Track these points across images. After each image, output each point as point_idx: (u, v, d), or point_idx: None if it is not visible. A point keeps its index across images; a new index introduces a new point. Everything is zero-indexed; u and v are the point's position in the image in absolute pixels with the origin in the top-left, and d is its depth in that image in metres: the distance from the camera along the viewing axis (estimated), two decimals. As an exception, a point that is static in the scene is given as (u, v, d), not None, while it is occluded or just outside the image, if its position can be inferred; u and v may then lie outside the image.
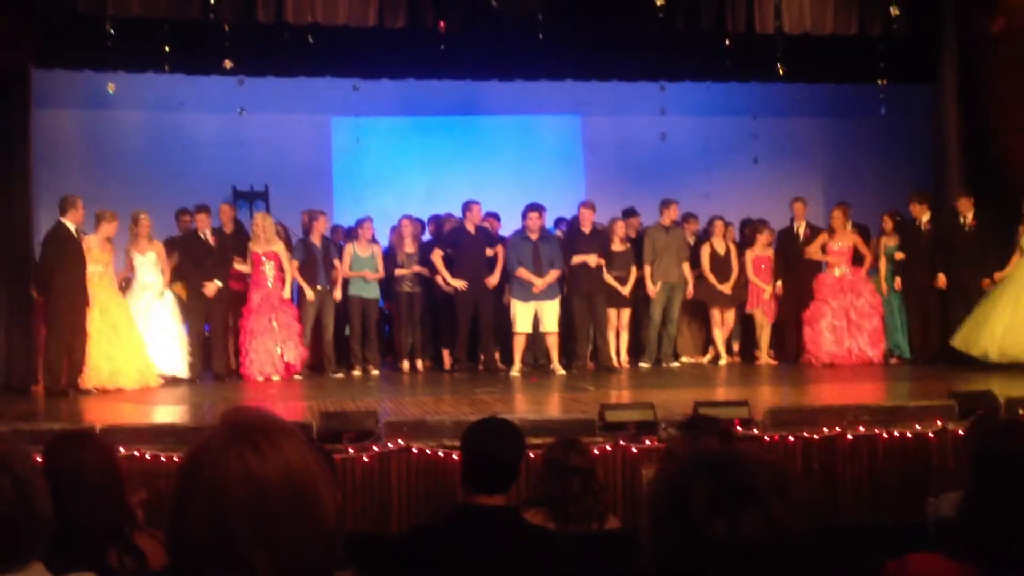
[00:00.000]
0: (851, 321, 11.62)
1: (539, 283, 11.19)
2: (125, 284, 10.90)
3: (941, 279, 11.48)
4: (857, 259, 11.99)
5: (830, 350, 11.59)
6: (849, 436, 7.22)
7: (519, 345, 11.39)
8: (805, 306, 11.92)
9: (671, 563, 1.44)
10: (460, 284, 11.39)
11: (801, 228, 12.24)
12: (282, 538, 1.45)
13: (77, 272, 9.82)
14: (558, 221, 12.90)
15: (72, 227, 9.88)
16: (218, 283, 11.08)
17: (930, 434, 7.27)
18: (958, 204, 11.56)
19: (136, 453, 6.57)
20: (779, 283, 12.20)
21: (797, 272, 12.09)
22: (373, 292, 11.75)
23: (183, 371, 10.71)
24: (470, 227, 11.62)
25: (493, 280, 11.50)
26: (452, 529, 3.49)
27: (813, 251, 12.01)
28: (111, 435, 6.36)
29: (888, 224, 12.12)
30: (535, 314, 11.31)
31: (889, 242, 12.02)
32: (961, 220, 11.51)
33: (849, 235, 11.93)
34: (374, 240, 11.93)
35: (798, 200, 12.35)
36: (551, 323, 11.36)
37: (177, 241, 11.43)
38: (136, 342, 10.23)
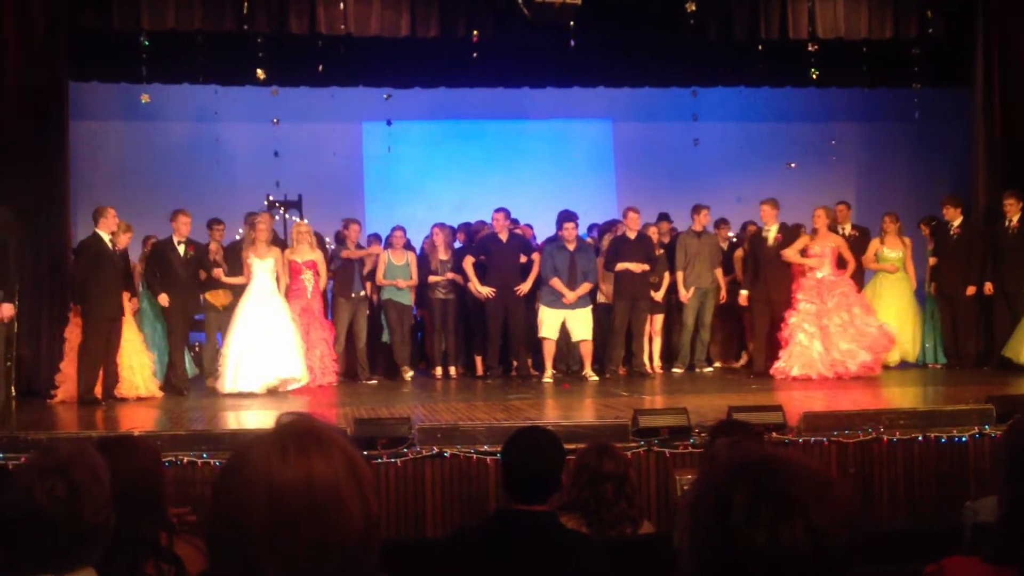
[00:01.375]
0: (828, 331, 10.64)
1: (571, 296, 11.14)
2: (228, 287, 10.97)
3: (988, 286, 11.29)
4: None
5: (806, 371, 10.59)
6: (885, 440, 7.17)
7: (548, 351, 11.36)
8: (776, 313, 11.13)
9: (710, 570, 1.43)
10: (488, 291, 11.40)
11: (771, 232, 11.34)
12: (297, 546, 1.44)
13: (111, 282, 9.87)
14: (591, 228, 12.90)
15: (106, 237, 9.93)
16: None
17: (967, 438, 7.21)
18: (1004, 206, 11.30)
19: (173, 459, 6.64)
20: (744, 292, 11.57)
21: (767, 277, 11.29)
22: (407, 299, 11.81)
23: (302, 376, 10.55)
24: (502, 235, 11.63)
25: (524, 288, 11.49)
26: (492, 534, 3.50)
27: (791, 254, 11.12)
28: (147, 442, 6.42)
29: (925, 230, 12.03)
30: (563, 322, 11.28)
31: (929, 245, 11.95)
32: (1006, 222, 11.29)
33: (832, 237, 11.19)
34: (408, 247, 12.00)
35: (767, 202, 11.43)
36: (582, 332, 11.31)
37: (225, 250, 11.53)
38: (142, 351, 10.32)
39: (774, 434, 6.99)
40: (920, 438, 7.20)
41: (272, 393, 10.28)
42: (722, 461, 1.49)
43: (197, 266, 10.96)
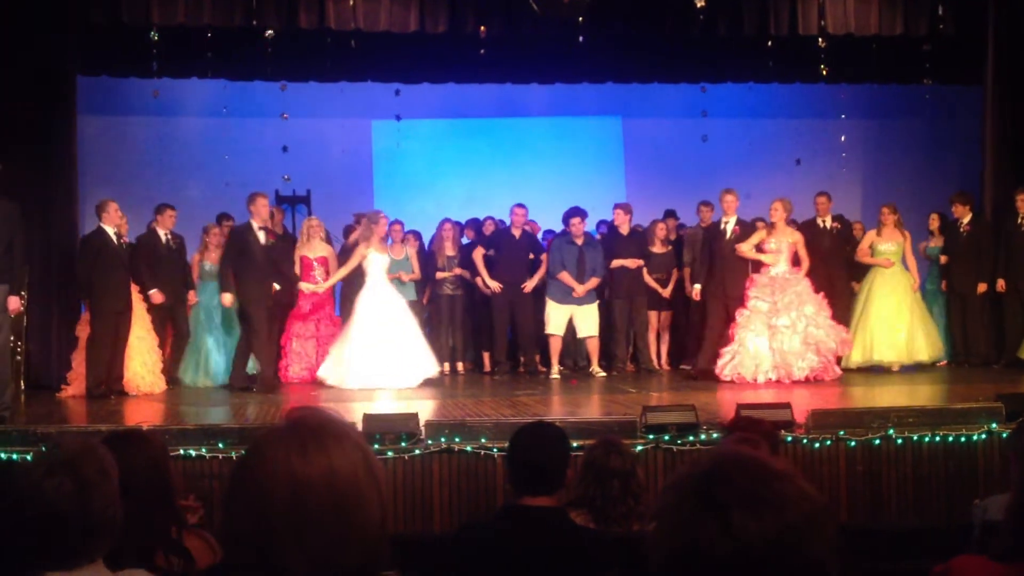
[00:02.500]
0: (777, 330, 10.12)
1: (580, 289, 11.13)
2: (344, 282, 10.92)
3: (1000, 283, 11.21)
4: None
5: (741, 372, 10.11)
6: (894, 438, 7.15)
7: (555, 347, 11.36)
8: (732, 310, 10.51)
9: (676, 560, 1.44)
10: (495, 286, 11.40)
11: (729, 224, 10.77)
12: (319, 541, 1.46)
13: (117, 276, 9.84)
14: (599, 224, 12.89)
15: (111, 231, 9.88)
16: (276, 286, 10.60)
17: (976, 436, 7.20)
18: (1016, 203, 11.18)
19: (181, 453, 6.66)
20: (697, 287, 11.00)
21: (723, 273, 10.71)
22: (409, 295, 11.78)
23: (432, 370, 10.49)
24: (516, 231, 11.62)
25: (530, 285, 11.49)
26: (500, 528, 3.50)
27: (746, 248, 10.52)
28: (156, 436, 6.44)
29: (934, 224, 11.96)
30: (570, 318, 11.26)
31: (935, 243, 11.88)
32: (1018, 220, 11.20)
33: (790, 232, 10.59)
34: (417, 239, 11.98)
35: (729, 191, 10.86)
36: (589, 328, 11.29)
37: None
38: (153, 347, 10.30)
39: (782, 431, 6.98)
40: (929, 436, 7.19)
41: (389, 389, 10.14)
42: (698, 459, 1.51)
43: (277, 254, 10.43)
